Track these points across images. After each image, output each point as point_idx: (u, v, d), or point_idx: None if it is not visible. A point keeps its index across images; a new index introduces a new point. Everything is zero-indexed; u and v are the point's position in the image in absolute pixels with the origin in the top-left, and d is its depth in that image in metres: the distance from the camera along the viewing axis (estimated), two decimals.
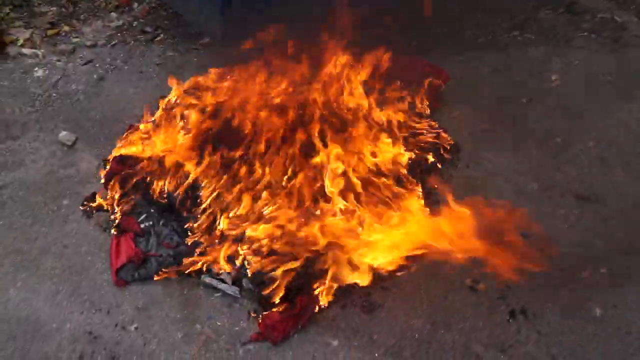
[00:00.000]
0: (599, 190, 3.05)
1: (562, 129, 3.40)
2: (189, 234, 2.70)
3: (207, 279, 2.60)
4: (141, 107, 3.45)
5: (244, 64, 3.06)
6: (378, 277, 2.52)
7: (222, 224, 2.63)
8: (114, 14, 4.47)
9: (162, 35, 4.25)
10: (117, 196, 2.87)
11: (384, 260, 2.41)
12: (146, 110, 3.14)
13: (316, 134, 2.73)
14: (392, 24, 3.22)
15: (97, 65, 3.97)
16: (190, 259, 2.61)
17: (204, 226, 2.68)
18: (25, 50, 4.06)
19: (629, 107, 3.53)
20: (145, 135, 3.02)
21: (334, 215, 2.48)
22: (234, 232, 2.59)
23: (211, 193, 2.68)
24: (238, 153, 2.72)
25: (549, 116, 3.50)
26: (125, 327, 2.48)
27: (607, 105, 3.57)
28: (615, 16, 4.31)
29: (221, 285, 2.58)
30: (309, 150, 2.71)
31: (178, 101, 3.03)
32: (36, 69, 3.92)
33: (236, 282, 2.59)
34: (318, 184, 2.61)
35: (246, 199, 2.64)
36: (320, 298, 2.47)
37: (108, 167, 2.99)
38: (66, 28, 4.31)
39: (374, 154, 2.79)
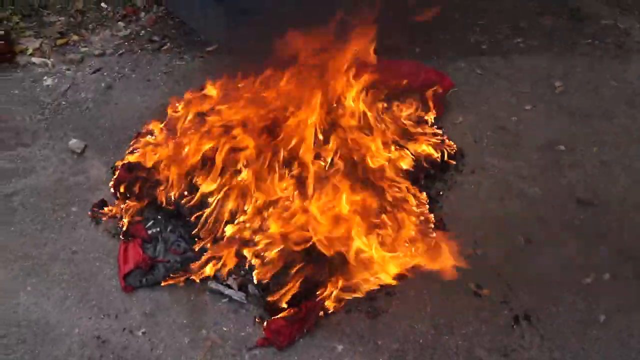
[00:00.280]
0: (602, 195, 3.07)
1: (565, 135, 3.42)
2: (196, 240, 2.73)
3: (214, 285, 2.63)
4: (149, 114, 3.51)
5: (248, 72, 3.09)
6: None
7: (229, 230, 2.66)
8: (121, 24, 4.53)
9: (168, 44, 4.31)
10: (125, 203, 2.92)
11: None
12: (154, 118, 3.18)
13: (320, 141, 2.78)
14: (396, 30, 3.24)
15: (106, 73, 4.02)
16: (197, 265, 2.65)
17: (210, 232, 2.72)
18: (35, 60, 4.12)
19: (632, 112, 3.54)
20: (153, 143, 3.06)
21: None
22: (240, 238, 2.63)
23: (218, 199, 2.71)
24: (245, 159, 2.75)
25: (552, 122, 3.52)
26: (133, 332, 2.52)
27: (610, 110, 3.59)
28: (618, 22, 4.33)
29: (227, 291, 2.62)
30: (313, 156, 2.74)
31: (185, 109, 3.08)
32: (46, 77, 3.98)
33: (242, 287, 2.62)
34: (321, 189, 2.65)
35: (253, 206, 2.68)
36: (326, 303, 2.51)
37: (117, 174, 3.04)
38: (75, 37, 4.37)
39: (377, 160, 2.82)
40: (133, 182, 2.92)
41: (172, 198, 2.82)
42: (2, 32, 4.16)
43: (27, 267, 2.77)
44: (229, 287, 2.61)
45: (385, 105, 3.18)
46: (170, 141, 2.90)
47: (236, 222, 2.68)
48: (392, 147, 2.97)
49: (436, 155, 3.14)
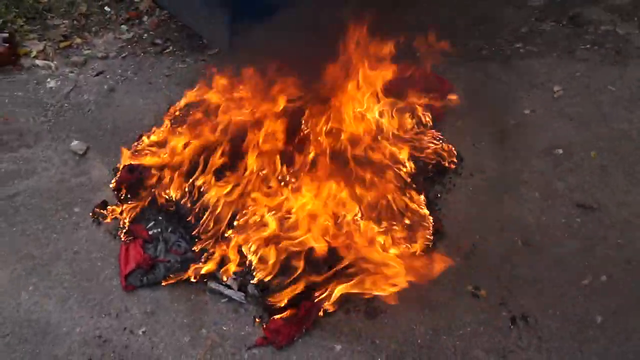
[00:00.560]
0: (600, 199, 3.09)
1: (564, 139, 3.44)
2: (196, 240, 2.76)
3: (214, 285, 2.65)
4: (150, 117, 3.55)
5: (249, 75, 3.12)
6: None
7: (229, 231, 2.69)
8: (124, 27, 4.58)
9: (171, 47, 4.34)
10: (126, 204, 2.94)
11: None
12: (156, 121, 3.21)
13: (321, 143, 2.80)
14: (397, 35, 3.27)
15: (108, 76, 4.06)
16: (197, 265, 2.67)
17: (211, 233, 2.74)
18: (38, 62, 4.16)
19: (630, 117, 3.56)
20: (155, 145, 3.09)
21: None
22: (240, 239, 2.65)
23: (218, 200, 2.73)
24: (245, 161, 2.78)
25: (551, 126, 3.55)
26: (134, 331, 2.54)
27: (609, 115, 3.60)
28: (617, 28, 4.35)
29: (227, 291, 2.64)
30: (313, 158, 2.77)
31: (186, 112, 3.11)
32: (49, 80, 4.02)
33: (242, 288, 2.64)
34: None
35: (253, 207, 2.71)
36: (325, 304, 2.53)
37: (118, 175, 3.07)
38: (78, 40, 4.41)
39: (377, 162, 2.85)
40: (134, 183, 2.95)
41: (173, 199, 2.84)
42: (7, 35, 4.20)
43: (29, 267, 2.79)
44: (229, 287, 2.63)
45: (385, 107, 3.20)
46: (172, 143, 2.93)
47: (236, 223, 2.70)
48: (392, 150, 2.99)
49: (435, 158, 3.17)
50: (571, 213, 3.03)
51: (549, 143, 3.42)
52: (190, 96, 3.20)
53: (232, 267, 2.63)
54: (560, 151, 3.36)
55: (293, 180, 2.73)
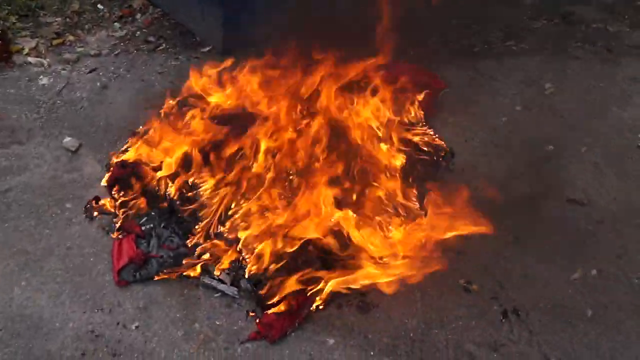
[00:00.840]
0: (591, 195, 3.12)
1: (555, 135, 3.47)
2: (189, 236, 2.76)
3: (207, 280, 2.65)
4: (143, 114, 3.54)
5: (242, 68, 3.14)
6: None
7: (222, 226, 2.70)
8: (117, 24, 4.57)
9: (164, 44, 4.35)
10: (119, 199, 2.94)
11: None
12: (147, 116, 3.21)
13: (312, 139, 2.81)
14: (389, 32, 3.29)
15: (101, 73, 4.06)
16: (190, 261, 2.67)
17: (203, 228, 2.75)
18: (31, 59, 4.15)
19: (620, 114, 3.60)
20: (147, 141, 3.09)
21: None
22: (232, 234, 2.66)
23: (210, 195, 2.74)
24: (237, 156, 2.79)
25: (542, 123, 3.58)
26: (127, 326, 2.54)
27: (599, 112, 3.64)
28: (608, 26, 4.40)
29: (220, 286, 2.64)
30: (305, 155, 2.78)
31: (178, 107, 3.11)
32: (41, 77, 4.01)
33: (235, 282, 2.64)
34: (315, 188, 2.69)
35: (245, 202, 2.71)
36: (316, 298, 2.54)
37: (110, 171, 3.06)
38: (71, 38, 4.41)
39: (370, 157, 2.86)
40: (127, 179, 2.95)
41: (166, 194, 2.85)
42: None
43: (21, 262, 2.78)
44: (222, 282, 2.64)
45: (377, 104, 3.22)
46: (164, 138, 2.93)
47: (229, 218, 2.71)
48: (384, 146, 3.01)
49: (427, 154, 3.18)
50: (562, 208, 3.05)
51: (541, 139, 3.46)
52: (183, 91, 3.20)
53: (226, 262, 2.63)
54: (552, 147, 3.39)
55: (288, 174, 2.75)
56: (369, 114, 3.11)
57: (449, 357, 2.43)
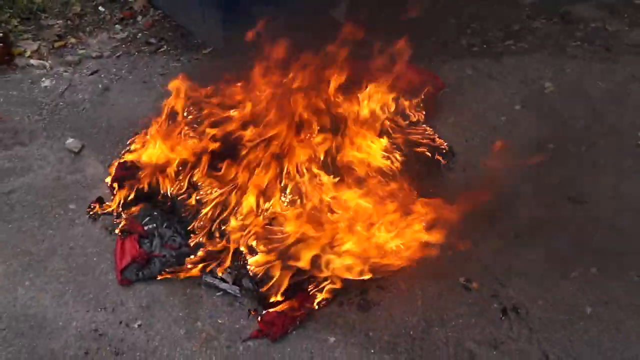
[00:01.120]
0: (590, 193, 3.13)
1: (555, 134, 3.48)
2: (191, 235, 2.78)
3: (209, 279, 2.68)
4: (145, 115, 3.55)
5: (244, 71, 3.15)
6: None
7: (224, 225, 2.72)
8: (118, 27, 4.60)
9: (165, 46, 4.37)
10: (122, 200, 2.96)
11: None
12: (150, 117, 3.23)
13: (313, 137, 2.83)
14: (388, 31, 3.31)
15: (103, 75, 4.08)
16: (192, 260, 2.69)
17: (205, 228, 2.77)
18: (33, 62, 4.19)
19: (619, 112, 3.61)
20: (149, 142, 3.11)
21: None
22: (235, 234, 2.68)
23: (213, 196, 2.76)
24: (239, 155, 2.81)
25: (542, 122, 3.59)
26: (129, 325, 2.56)
27: (598, 111, 3.65)
28: (607, 25, 4.40)
29: (222, 285, 2.66)
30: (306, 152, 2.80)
31: (181, 109, 3.13)
32: (44, 79, 4.04)
33: (237, 281, 2.66)
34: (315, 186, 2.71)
35: (247, 201, 2.73)
36: (318, 295, 2.56)
37: (113, 172, 3.09)
38: (73, 40, 4.44)
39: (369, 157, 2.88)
40: (130, 180, 2.97)
41: (168, 194, 2.87)
42: (1, 35, 4.23)
43: (25, 262, 2.81)
44: (224, 280, 2.66)
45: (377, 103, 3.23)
46: (167, 139, 2.95)
47: (231, 218, 2.73)
48: (385, 144, 3.02)
49: (427, 153, 3.20)
50: (562, 207, 3.06)
51: (540, 138, 3.46)
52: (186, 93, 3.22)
53: (227, 261, 2.65)
54: (551, 146, 3.40)
55: (290, 174, 2.77)
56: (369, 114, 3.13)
57: (449, 355, 2.45)
